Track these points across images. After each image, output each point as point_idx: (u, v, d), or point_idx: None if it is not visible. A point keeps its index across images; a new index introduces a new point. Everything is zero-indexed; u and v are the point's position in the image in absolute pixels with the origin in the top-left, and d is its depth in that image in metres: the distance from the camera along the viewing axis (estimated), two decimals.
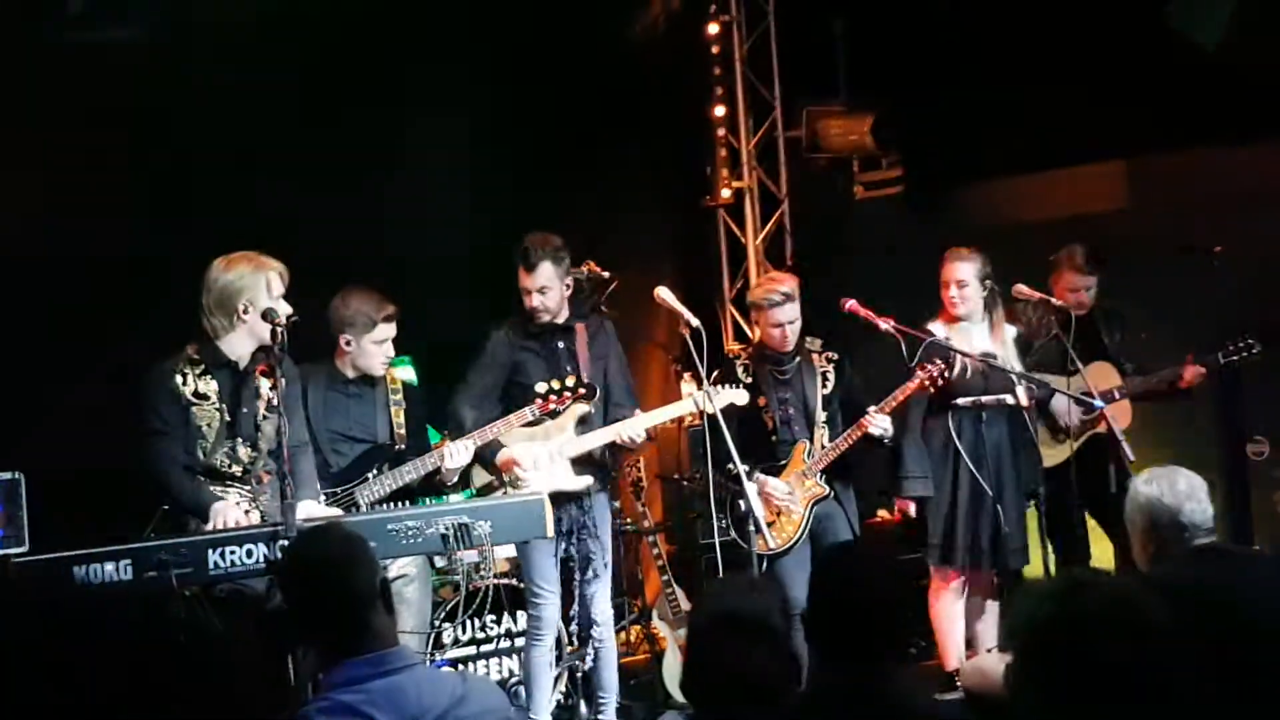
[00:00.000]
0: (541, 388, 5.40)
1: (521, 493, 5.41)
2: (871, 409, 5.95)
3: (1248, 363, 6.55)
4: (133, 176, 6.73)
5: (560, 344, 5.70)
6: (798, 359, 6.08)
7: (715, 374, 5.81)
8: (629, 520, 7.19)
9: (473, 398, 5.66)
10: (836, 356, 6.18)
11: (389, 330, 5.38)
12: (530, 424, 5.52)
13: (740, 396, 5.77)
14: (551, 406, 5.43)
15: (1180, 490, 3.80)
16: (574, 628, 5.84)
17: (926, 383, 5.93)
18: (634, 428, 5.61)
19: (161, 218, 6.84)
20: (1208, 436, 7.17)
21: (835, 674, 3.05)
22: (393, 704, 2.83)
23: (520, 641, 6.24)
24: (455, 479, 5.46)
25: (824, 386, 6.08)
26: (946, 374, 5.96)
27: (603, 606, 5.80)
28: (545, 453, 5.60)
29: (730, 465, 5.36)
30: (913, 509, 6.22)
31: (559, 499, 5.59)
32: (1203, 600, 3.39)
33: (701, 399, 5.46)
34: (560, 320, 5.70)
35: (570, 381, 5.42)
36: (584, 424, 5.66)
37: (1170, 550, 3.80)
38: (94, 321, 6.50)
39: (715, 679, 2.91)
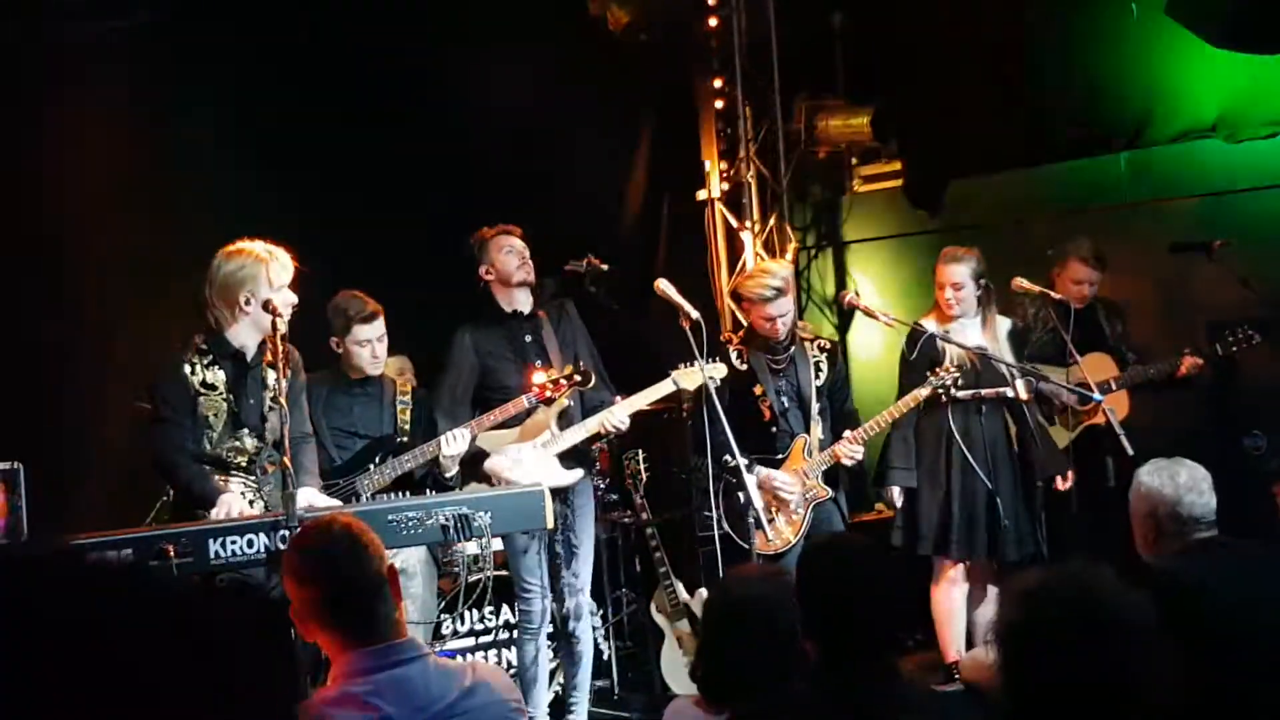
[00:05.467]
0: (540, 377, 5.40)
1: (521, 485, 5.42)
2: (847, 435, 5.94)
3: (1246, 354, 6.57)
4: (133, 167, 6.74)
5: (528, 338, 5.69)
6: (792, 348, 6.04)
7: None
8: (628, 513, 7.19)
9: (445, 404, 5.63)
10: (829, 345, 6.16)
11: (368, 330, 5.39)
12: (504, 426, 5.52)
13: (717, 370, 5.64)
14: (548, 395, 5.43)
15: (1182, 482, 3.81)
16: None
17: (939, 392, 5.96)
18: (618, 415, 5.57)
19: (166, 209, 6.85)
20: (1204, 428, 7.16)
21: (831, 668, 3.06)
22: (400, 695, 2.80)
23: (518, 633, 6.25)
24: (454, 468, 5.46)
25: (817, 377, 6.03)
26: (959, 382, 5.96)
27: (583, 600, 5.78)
28: (531, 451, 5.59)
29: (728, 458, 5.33)
30: (897, 497, 6.22)
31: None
32: (1196, 594, 3.41)
33: (680, 377, 5.44)
34: (525, 310, 5.70)
35: (568, 370, 5.43)
36: (563, 417, 5.65)
37: (1170, 541, 3.82)
38: (97, 310, 6.51)
39: (728, 667, 2.92)
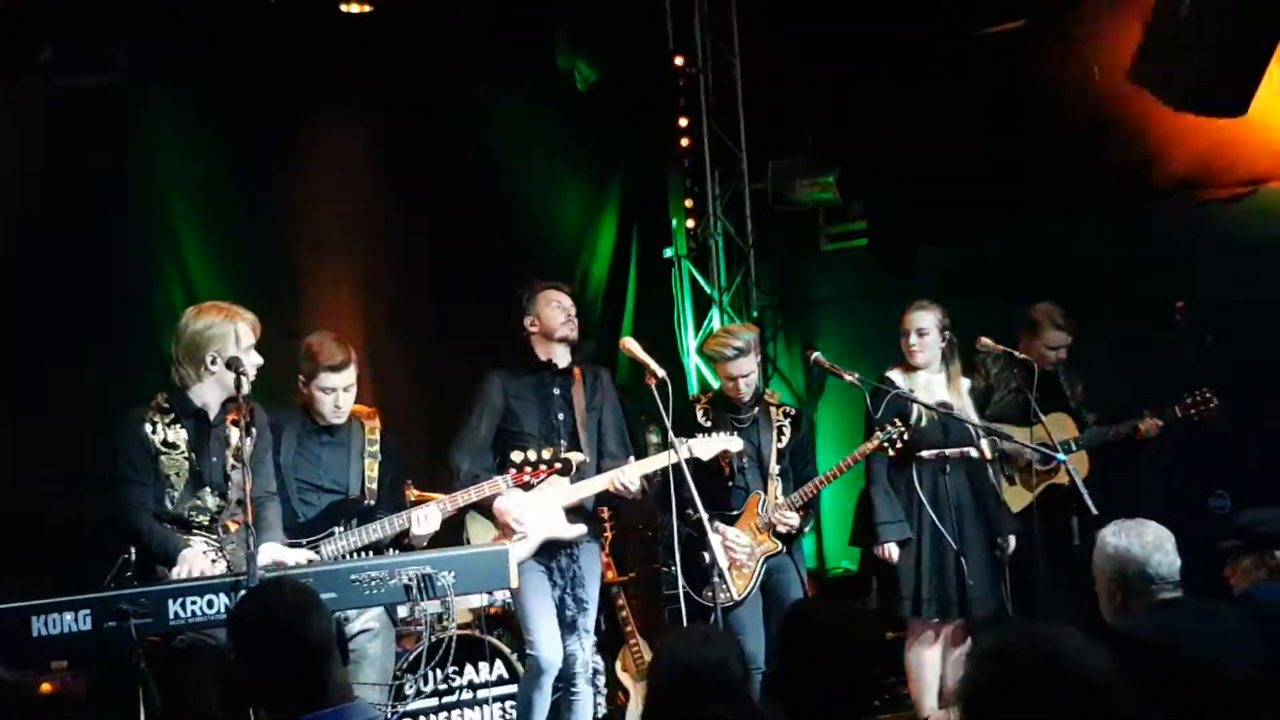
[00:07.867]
0: (518, 457, 5.26)
1: (485, 544, 5.37)
2: (781, 500, 5.99)
3: (1205, 416, 6.60)
4: (97, 223, 6.74)
5: (556, 390, 5.70)
6: (755, 409, 6.11)
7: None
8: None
9: (468, 445, 5.62)
10: (794, 412, 6.22)
11: (336, 379, 5.24)
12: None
13: (734, 443, 5.77)
14: (526, 479, 5.31)
15: (1149, 541, 3.82)
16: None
17: (885, 446, 5.96)
18: (628, 475, 5.55)
19: (132, 266, 6.85)
20: (1166, 490, 7.18)
21: None
22: None
23: (481, 693, 6.20)
24: (425, 544, 5.35)
25: (779, 440, 6.09)
26: (905, 436, 5.97)
27: (585, 658, 5.73)
28: (538, 502, 5.53)
29: (690, 511, 5.33)
30: (894, 553, 6.19)
31: (551, 547, 5.57)
32: (1166, 654, 3.41)
33: (694, 446, 5.51)
34: (560, 364, 5.71)
35: (547, 454, 5.30)
36: (577, 473, 5.59)
37: (1136, 601, 3.81)
38: (56, 368, 6.46)
39: None
